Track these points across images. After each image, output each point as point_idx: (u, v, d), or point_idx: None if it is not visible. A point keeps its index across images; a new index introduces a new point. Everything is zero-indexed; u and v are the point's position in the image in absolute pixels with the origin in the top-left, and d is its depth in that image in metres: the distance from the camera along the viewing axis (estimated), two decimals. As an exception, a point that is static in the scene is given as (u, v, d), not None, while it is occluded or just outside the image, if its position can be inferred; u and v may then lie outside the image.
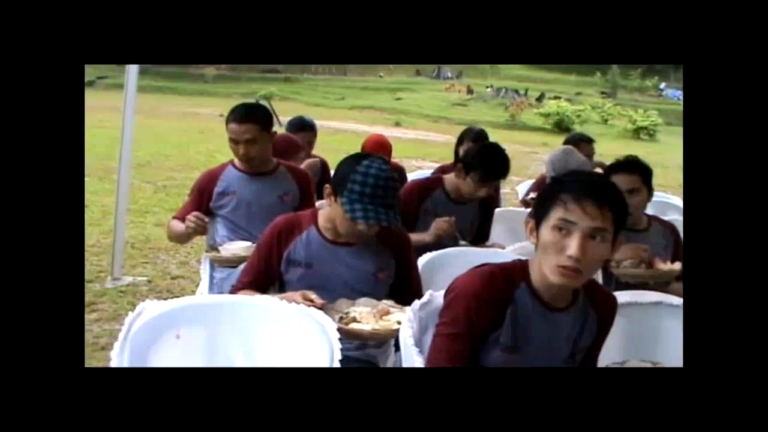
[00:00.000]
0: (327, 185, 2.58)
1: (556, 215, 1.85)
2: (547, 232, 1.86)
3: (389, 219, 2.47)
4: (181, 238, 3.52)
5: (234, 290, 2.64)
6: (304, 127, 4.79)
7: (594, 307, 2.05)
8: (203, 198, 3.48)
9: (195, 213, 3.28)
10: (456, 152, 4.71)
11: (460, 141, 4.87)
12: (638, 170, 3.24)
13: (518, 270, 2.01)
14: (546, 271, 1.89)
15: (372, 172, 2.43)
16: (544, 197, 1.91)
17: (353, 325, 2.32)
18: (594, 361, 2.14)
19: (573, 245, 1.82)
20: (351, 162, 2.50)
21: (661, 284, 3.00)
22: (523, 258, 2.07)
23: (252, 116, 3.40)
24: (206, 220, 3.31)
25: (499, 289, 1.96)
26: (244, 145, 3.35)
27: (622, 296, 2.63)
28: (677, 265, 3.07)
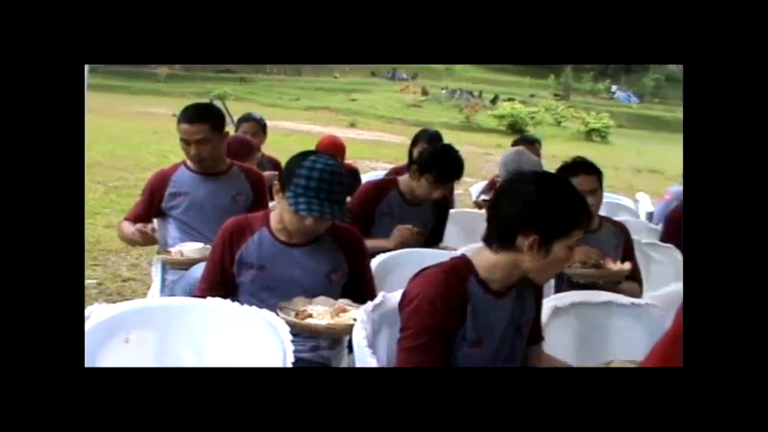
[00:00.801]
0: (276, 182, 2.56)
1: (575, 236, 1.97)
2: (563, 249, 1.96)
3: (335, 213, 2.46)
4: (132, 243, 3.49)
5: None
6: (249, 119, 4.77)
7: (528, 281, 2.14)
8: (154, 199, 3.43)
9: (139, 227, 3.28)
10: (410, 153, 4.72)
11: (414, 142, 4.88)
12: (596, 171, 3.30)
13: (463, 265, 2.05)
14: (544, 278, 2.10)
15: (318, 167, 2.42)
16: (562, 217, 1.95)
17: (309, 320, 2.31)
18: (539, 328, 2.32)
19: (571, 257, 2.04)
20: (298, 158, 2.49)
21: (611, 284, 3.04)
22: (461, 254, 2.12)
23: (203, 116, 3.35)
24: (151, 232, 3.30)
25: (456, 286, 2.00)
26: (196, 146, 3.31)
27: (572, 296, 2.67)
28: (627, 265, 3.12)
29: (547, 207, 1.94)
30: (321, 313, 2.35)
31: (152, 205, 3.42)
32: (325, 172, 2.42)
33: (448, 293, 1.98)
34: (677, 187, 5.80)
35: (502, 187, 2.09)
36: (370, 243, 3.10)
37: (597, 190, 3.26)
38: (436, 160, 3.59)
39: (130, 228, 3.33)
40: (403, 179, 3.74)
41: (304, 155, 2.49)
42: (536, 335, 2.30)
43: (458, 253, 2.30)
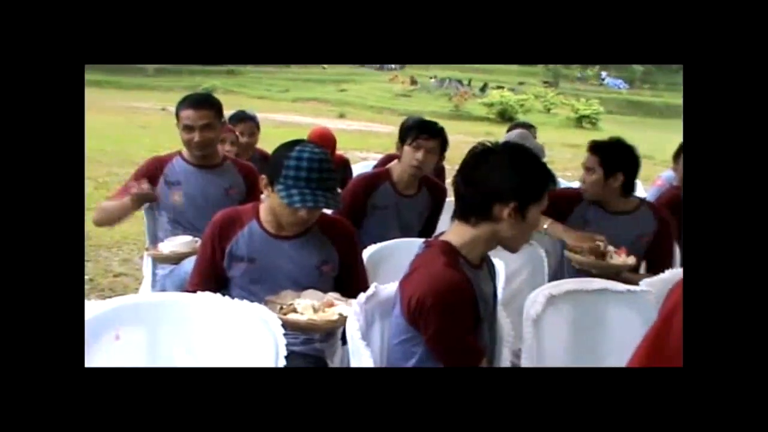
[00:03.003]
0: (263, 176, 2.54)
1: (546, 202, 2.07)
2: (538, 214, 2.07)
3: (328, 201, 2.44)
4: (116, 214, 3.38)
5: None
6: (244, 118, 4.72)
7: None
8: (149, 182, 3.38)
9: (131, 184, 3.27)
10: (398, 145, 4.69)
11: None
12: (597, 151, 3.32)
13: (449, 250, 2.07)
14: (517, 245, 2.13)
15: (305, 156, 2.39)
16: (534, 181, 2.04)
17: (291, 315, 2.28)
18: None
19: (541, 220, 2.15)
20: (283, 149, 2.46)
21: (607, 276, 3.03)
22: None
23: (208, 102, 3.37)
24: (146, 189, 3.28)
25: (460, 271, 2.02)
26: (200, 131, 3.29)
27: (567, 284, 2.65)
28: (630, 260, 3.11)
29: (521, 174, 2.01)
30: (305, 307, 2.33)
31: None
32: (313, 161, 2.39)
33: (460, 286, 2.00)
34: (669, 172, 5.79)
35: (471, 160, 2.09)
36: None
37: (594, 169, 3.29)
38: (411, 124, 3.66)
39: (116, 201, 3.32)
40: (394, 167, 3.71)
41: (288, 146, 2.46)
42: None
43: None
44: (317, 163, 2.40)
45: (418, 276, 2.03)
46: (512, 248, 2.13)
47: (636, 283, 3.00)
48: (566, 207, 3.40)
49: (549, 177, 2.09)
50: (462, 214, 2.08)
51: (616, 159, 3.27)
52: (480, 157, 2.07)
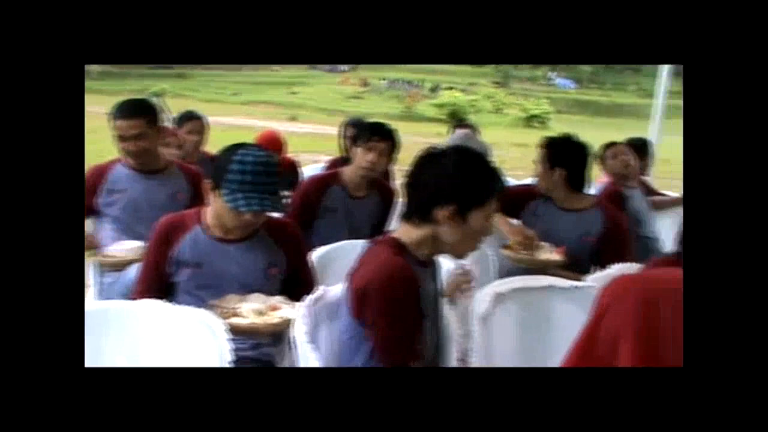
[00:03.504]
0: (206, 180, 2.50)
1: (492, 207, 2.04)
2: (481, 219, 2.02)
3: (274, 205, 2.44)
4: None
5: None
6: (191, 118, 4.66)
7: None
8: (89, 194, 3.30)
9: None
10: (340, 146, 4.69)
11: (342, 134, 4.87)
12: (544, 146, 3.39)
13: (396, 245, 2.07)
14: (460, 251, 2.11)
15: (249, 160, 2.37)
16: (476, 185, 2.01)
17: (233, 320, 2.26)
18: None
19: (491, 227, 2.09)
20: (226, 153, 2.44)
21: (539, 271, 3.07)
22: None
23: (139, 111, 3.26)
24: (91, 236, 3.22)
25: (405, 266, 2.02)
26: (133, 142, 3.21)
27: (514, 282, 2.67)
28: (557, 256, 3.14)
29: (463, 177, 2.00)
30: (249, 310, 2.30)
31: (86, 200, 3.31)
32: (258, 164, 2.37)
33: (404, 275, 2.00)
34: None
35: (418, 162, 2.09)
36: None
37: (540, 164, 3.35)
38: (363, 125, 3.74)
39: None
40: (345, 170, 3.70)
41: (231, 150, 2.43)
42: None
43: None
44: (262, 166, 2.38)
45: (365, 268, 2.04)
46: (456, 254, 2.14)
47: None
48: (519, 202, 3.44)
49: (494, 181, 2.07)
50: (406, 215, 2.08)
51: (558, 154, 3.33)
52: (424, 160, 2.08)
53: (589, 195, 3.46)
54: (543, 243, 3.21)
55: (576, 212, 3.36)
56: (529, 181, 3.92)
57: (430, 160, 2.07)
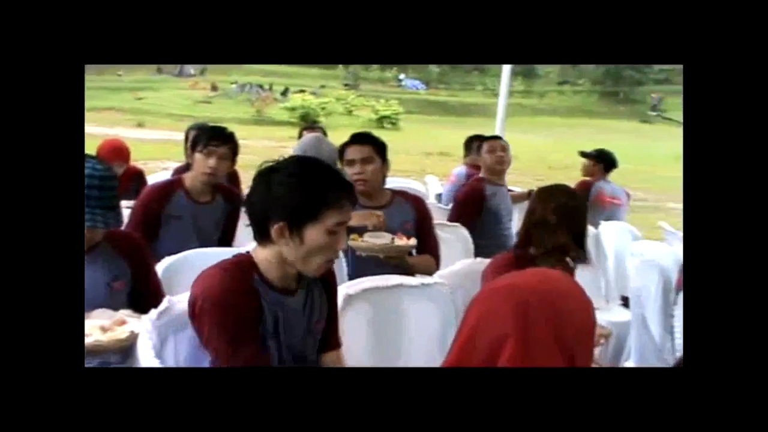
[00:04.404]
0: None
1: (332, 220, 1.93)
2: (319, 234, 1.94)
3: (107, 221, 2.32)
4: None
5: None
6: None
7: (317, 279, 2.14)
8: None
9: None
10: (185, 152, 4.60)
11: (186, 140, 4.78)
12: (370, 141, 3.43)
13: (247, 263, 2.03)
14: (310, 268, 2.00)
15: (84, 174, 2.26)
16: (306, 199, 1.93)
17: None
18: (335, 334, 2.28)
19: (342, 242, 2.02)
20: None
21: (393, 258, 3.11)
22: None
23: None
24: None
25: (239, 280, 1.97)
26: None
27: (364, 282, 2.69)
28: (412, 241, 3.19)
29: (288, 192, 1.93)
30: (93, 327, 2.20)
31: None
32: (93, 178, 2.26)
33: (234, 287, 1.94)
34: (461, 168, 6.04)
35: (254, 180, 2.05)
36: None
37: (373, 159, 3.36)
38: (201, 130, 3.71)
39: None
40: (188, 177, 3.63)
41: None
42: (331, 341, 2.26)
43: (243, 250, 2.25)
44: (98, 180, 2.27)
45: (198, 281, 2.00)
46: (305, 271, 2.04)
47: (432, 269, 3.10)
48: None
49: (327, 192, 1.95)
50: (253, 235, 2.04)
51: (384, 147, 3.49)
52: (260, 177, 2.02)
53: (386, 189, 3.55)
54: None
55: (384, 207, 3.43)
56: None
57: (262, 178, 2.01)
